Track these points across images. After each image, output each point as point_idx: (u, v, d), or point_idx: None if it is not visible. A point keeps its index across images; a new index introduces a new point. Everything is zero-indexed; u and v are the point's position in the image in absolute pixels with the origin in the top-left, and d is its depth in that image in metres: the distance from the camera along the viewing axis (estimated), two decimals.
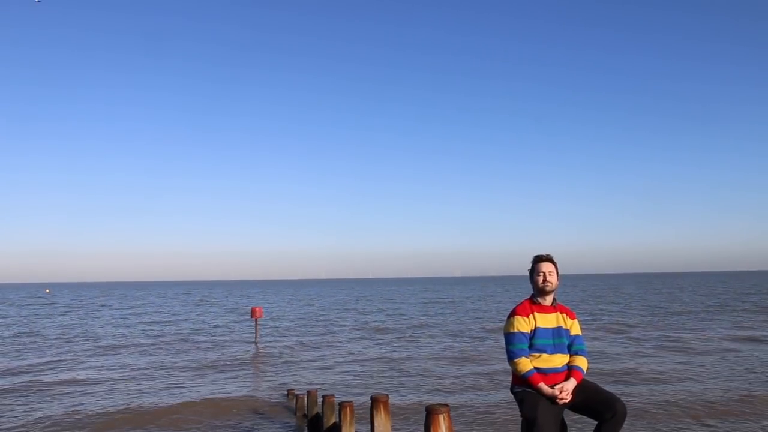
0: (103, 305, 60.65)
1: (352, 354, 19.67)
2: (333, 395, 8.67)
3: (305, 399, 10.05)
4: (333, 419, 8.36)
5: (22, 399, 12.86)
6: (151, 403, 12.20)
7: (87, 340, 25.60)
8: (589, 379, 4.04)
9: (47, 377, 15.64)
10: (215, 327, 31.63)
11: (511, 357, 3.96)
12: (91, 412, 11.32)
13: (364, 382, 14.46)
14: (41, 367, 17.52)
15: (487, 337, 23.74)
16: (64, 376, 15.92)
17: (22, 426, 10.43)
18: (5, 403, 12.44)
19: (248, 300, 69.40)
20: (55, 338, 26.51)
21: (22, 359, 19.50)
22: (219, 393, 13.20)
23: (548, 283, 4.05)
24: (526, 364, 3.89)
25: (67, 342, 24.78)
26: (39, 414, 11.33)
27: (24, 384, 14.57)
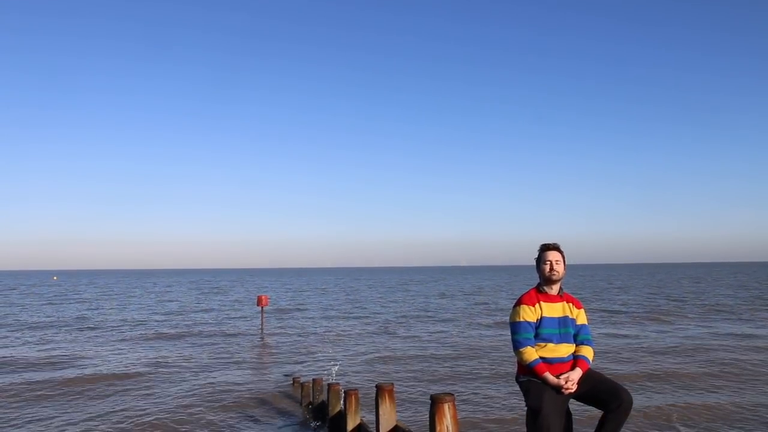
0: (120, 293, 61.07)
1: (358, 342, 19.74)
2: (338, 383, 8.69)
3: (310, 387, 10.09)
4: (338, 407, 8.38)
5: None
6: (156, 393, 12.30)
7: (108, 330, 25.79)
8: (594, 369, 4.01)
9: (68, 371, 15.78)
10: (222, 315, 31.80)
11: (517, 346, 3.93)
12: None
13: (369, 370, 14.51)
14: (68, 358, 17.68)
15: (493, 326, 23.77)
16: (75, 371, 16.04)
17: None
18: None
19: (255, 288, 69.70)
20: (72, 329, 26.72)
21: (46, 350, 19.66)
22: (224, 381, 13.28)
23: (555, 272, 4.01)
24: (531, 353, 3.86)
25: (85, 331, 24.99)
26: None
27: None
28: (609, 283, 69.58)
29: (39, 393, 12.16)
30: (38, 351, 18.43)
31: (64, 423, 9.77)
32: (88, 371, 14.63)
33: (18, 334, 23.38)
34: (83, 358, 16.90)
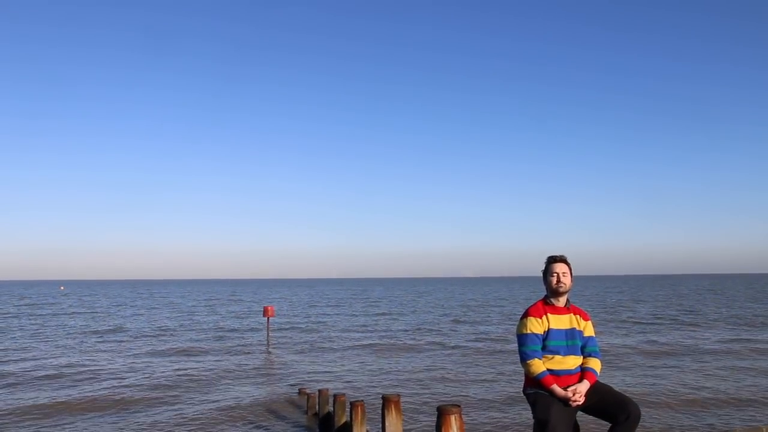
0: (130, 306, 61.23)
1: (364, 354, 19.69)
2: (344, 394, 8.68)
3: (316, 398, 10.08)
4: (344, 418, 8.37)
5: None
6: (160, 402, 12.30)
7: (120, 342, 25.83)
8: (602, 381, 4.01)
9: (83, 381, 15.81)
10: (227, 325, 31.81)
11: (524, 358, 3.93)
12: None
13: (375, 381, 14.47)
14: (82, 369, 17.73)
15: (500, 338, 23.65)
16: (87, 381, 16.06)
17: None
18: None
19: (262, 299, 69.70)
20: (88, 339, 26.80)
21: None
22: (230, 391, 13.27)
23: (562, 284, 4.01)
24: (539, 365, 3.86)
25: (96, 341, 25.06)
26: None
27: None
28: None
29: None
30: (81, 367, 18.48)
31: None
32: (103, 388, 14.67)
33: (47, 347, 23.47)
34: (104, 370, 16.96)
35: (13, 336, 26.64)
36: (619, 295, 70.01)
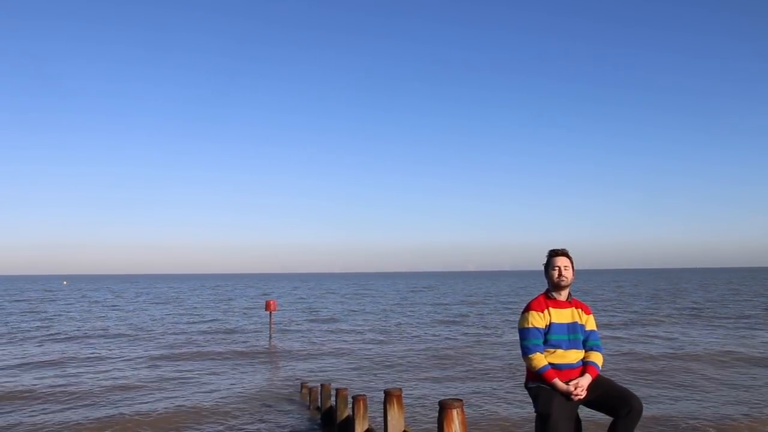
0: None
1: (366, 348, 19.71)
2: (346, 388, 8.68)
3: (318, 392, 10.08)
4: (346, 412, 8.37)
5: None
6: (166, 395, 12.33)
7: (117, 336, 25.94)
8: (604, 375, 3.99)
9: (80, 373, 15.86)
10: (228, 320, 31.87)
11: (526, 352, 3.92)
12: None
13: (377, 375, 14.49)
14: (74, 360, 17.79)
15: (502, 333, 23.67)
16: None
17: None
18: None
19: (263, 293, 69.81)
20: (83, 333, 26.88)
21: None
22: (233, 385, 13.30)
23: (564, 278, 4.00)
24: (540, 359, 3.85)
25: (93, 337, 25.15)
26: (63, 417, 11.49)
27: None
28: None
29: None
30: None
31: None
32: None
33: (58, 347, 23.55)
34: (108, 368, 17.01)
35: (15, 336, 26.73)
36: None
